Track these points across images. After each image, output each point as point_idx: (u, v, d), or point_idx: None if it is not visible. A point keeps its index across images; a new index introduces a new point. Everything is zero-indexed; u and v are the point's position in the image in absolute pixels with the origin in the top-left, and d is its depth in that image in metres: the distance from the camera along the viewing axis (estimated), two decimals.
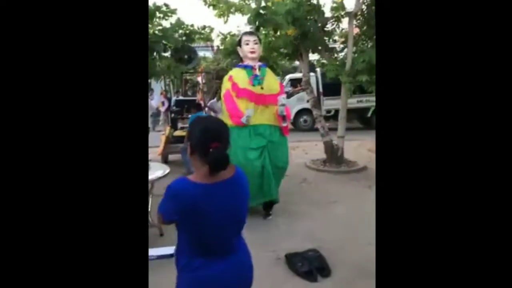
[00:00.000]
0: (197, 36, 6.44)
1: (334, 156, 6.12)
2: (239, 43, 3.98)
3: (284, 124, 3.80)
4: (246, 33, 4.06)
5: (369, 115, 11.05)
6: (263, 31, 5.90)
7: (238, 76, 3.84)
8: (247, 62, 3.89)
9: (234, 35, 7.14)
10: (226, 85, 3.89)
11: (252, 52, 3.82)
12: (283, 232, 3.54)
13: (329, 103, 10.82)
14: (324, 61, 6.63)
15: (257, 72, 3.83)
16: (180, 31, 6.08)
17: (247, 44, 3.83)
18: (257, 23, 4.39)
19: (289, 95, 10.54)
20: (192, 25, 6.23)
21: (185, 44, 6.27)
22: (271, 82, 3.89)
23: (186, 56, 6.42)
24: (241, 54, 4.01)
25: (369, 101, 10.62)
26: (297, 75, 9.68)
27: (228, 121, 3.57)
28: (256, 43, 3.84)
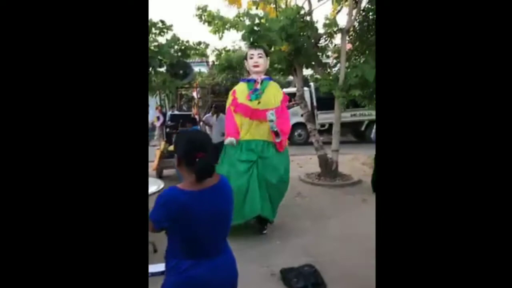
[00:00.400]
0: (192, 51, 6.52)
1: (328, 169, 6.14)
2: (245, 57, 4.02)
3: (278, 140, 3.73)
4: (251, 47, 4.07)
5: (363, 128, 11.15)
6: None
7: (239, 90, 3.90)
8: (251, 76, 3.93)
9: (229, 50, 7.25)
10: (229, 99, 3.95)
11: (256, 66, 3.84)
12: (278, 247, 3.53)
13: (323, 117, 10.92)
14: (318, 76, 6.74)
15: (259, 86, 3.84)
16: (176, 47, 6.16)
17: (252, 58, 3.86)
18: (251, 39, 4.46)
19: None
20: (187, 41, 6.32)
21: (180, 59, 6.34)
22: (271, 96, 3.79)
23: (181, 71, 6.48)
24: (247, 68, 4.06)
25: (362, 115, 10.74)
26: (291, 89, 9.80)
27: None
28: (260, 57, 3.84)
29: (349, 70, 5.76)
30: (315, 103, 11.15)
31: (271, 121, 3.60)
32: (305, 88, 11.08)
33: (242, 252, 3.44)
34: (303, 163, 7.84)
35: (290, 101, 10.30)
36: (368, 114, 10.36)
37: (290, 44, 5.37)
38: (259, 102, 3.75)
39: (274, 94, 3.86)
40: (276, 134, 3.69)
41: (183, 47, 6.18)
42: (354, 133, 11.79)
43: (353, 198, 5.16)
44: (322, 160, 6.23)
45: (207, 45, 6.89)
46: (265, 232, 3.87)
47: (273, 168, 3.77)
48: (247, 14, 4.72)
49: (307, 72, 7.75)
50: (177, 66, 6.34)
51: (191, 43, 6.37)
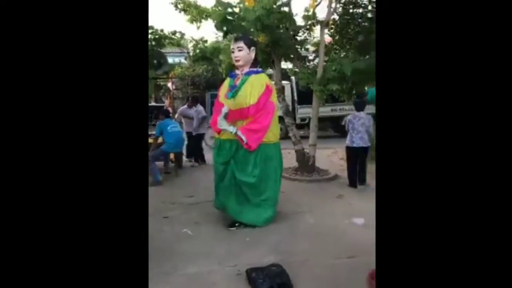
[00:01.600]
0: (167, 41, 6.28)
1: (305, 164, 6.07)
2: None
3: (245, 141, 3.56)
4: (233, 40, 3.87)
5: (343, 123, 11.14)
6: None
7: (223, 86, 3.77)
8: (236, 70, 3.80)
9: (206, 41, 7.04)
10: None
11: (236, 61, 3.68)
12: (247, 244, 3.40)
13: (304, 111, 10.85)
14: (297, 69, 6.62)
15: (239, 82, 3.69)
16: (149, 36, 5.92)
17: (233, 52, 3.71)
18: (224, 28, 4.29)
19: None
20: (161, 30, 6.08)
21: (154, 49, 6.11)
22: (246, 94, 3.58)
23: (155, 61, 6.25)
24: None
25: (342, 110, 10.73)
26: (273, 83, 9.70)
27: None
28: (240, 50, 3.64)
29: (328, 64, 5.66)
30: (296, 97, 11.08)
31: (224, 129, 3.57)
32: (286, 82, 11.04)
33: (207, 249, 3.34)
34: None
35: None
36: (348, 108, 10.33)
37: (267, 35, 5.22)
38: (234, 100, 3.61)
39: (250, 90, 3.60)
40: (240, 137, 3.57)
41: (157, 36, 5.95)
42: (334, 128, 11.79)
43: (329, 194, 5.09)
44: (300, 154, 6.15)
45: (182, 35, 6.66)
46: (234, 228, 3.74)
47: (245, 167, 3.66)
48: (218, 2, 4.53)
49: (287, 65, 7.62)
50: (151, 56, 6.11)
51: (165, 32, 6.13)
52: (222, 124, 3.55)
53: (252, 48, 3.73)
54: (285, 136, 10.62)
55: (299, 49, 6.32)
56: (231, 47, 3.76)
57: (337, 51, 7.01)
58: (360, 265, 3.03)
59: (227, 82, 3.83)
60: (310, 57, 6.74)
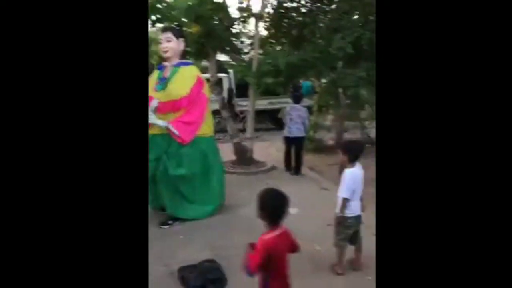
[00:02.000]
0: None
1: (243, 157, 6.07)
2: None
3: (176, 135, 3.45)
4: (161, 30, 3.67)
5: (279, 116, 11.39)
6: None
7: (151, 79, 3.54)
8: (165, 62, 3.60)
9: None
10: None
11: (164, 52, 3.49)
12: (181, 242, 3.30)
13: (243, 104, 10.85)
14: (233, 62, 6.57)
15: (168, 74, 3.51)
16: None
17: (161, 43, 3.51)
18: (153, 17, 4.07)
19: None
20: None
21: None
22: (177, 85, 3.45)
23: None
24: None
25: (280, 103, 10.93)
26: (209, 75, 9.53)
27: None
28: (168, 41, 3.46)
29: (263, 57, 5.69)
30: (234, 90, 11.03)
31: (154, 124, 3.38)
32: (224, 75, 10.93)
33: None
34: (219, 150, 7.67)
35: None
36: (284, 102, 10.54)
37: (200, 26, 5.07)
38: (164, 93, 3.44)
39: (181, 82, 3.46)
40: (172, 130, 3.43)
41: None
42: (272, 121, 11.98)
43: (265, 185, 5.14)
44: (237, 147, 6.13)
45: None
46: (167, 226, 3.60)
47: (179, 162, 3.51)
48: None
49: (223, 58, 7.53)
50: None
51: None
52: (152, 118, 3.37)
53: (181, 39, 3.58)
54: (223, 129, 10.64)
55: (234, 42, 6.26)
56: (159, 37, 3.58)
57: (272, 45, 7.09)
58: (295, 254, 3.11)
59: (155, 74, 3.64)
60: (246, 50, 6.72)
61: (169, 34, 3.49)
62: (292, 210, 4.11)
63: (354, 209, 2.61)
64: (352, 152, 2.60)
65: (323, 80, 7.23)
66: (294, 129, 5.55)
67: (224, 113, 6.26)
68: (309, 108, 10.00)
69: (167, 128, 3.41)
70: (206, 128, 3.69)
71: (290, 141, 5.66)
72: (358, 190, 2.59)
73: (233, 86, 10.95)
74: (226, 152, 6.87)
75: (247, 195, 4.69)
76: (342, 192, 2.56)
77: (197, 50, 5.98)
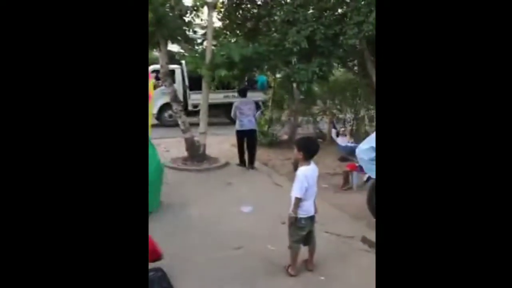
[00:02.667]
0: None
1: (195, 153, 5.84)
2: None
3: None
4: None
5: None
6: None
7: None
8: None
9: None
10: None
11: None
12: None
13: (196, 98, 10.50)
14: (185, 53, 6.27)
15: None
16: None
17: None
18: None
19: (153, 88, 9.85)
20: None
21: None
22: None
23: None
24: None
25: (235, 96, 10.75)
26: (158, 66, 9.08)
27: None
28: None
29: (216, 48, 5.47)
30: (187, 82, 10.65)
31: None
32: (177, 66, 10.49)
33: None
34: (171, 146, 7.34)
35: (158, 79, 9.75)
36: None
37: (150, 13, 4.73)
38: None
39: None
40: None
41: None
42: (226, 115, 11.77)
43: (218, 182, 4.98)
44: (189, 143, 5.88)
45: None
46: None
47: None
48: None
49: (175, 48, 7.18)
50: None
51: None
52: None
53: None
54: (176, 123, 10.25)
55: (187, 31, 5.96)
56: None
57: (226, 36, 6.87)
58: (248, 255, 3.00)
59: None
60: (199, 41, 6.44)
61: None
62: (245, 209, 4.01)
63: (307, 209, 2.52)
64: (307, 150, 2.51)
65: (278, 75, 7.17)
66: (246, 121, 5.58)
67: (176, 107, 5.96)
68: (263, 103, 9.98)
69: None
70: None
71: (243, 134, 5.66)
72: (311, 189, 2.50)
73: (186, 78, 10.57)
74: (178, 148, 6.59)
75: (196, 193, 4.46)
76: (295, 191, 2.46)
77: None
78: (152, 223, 3.46)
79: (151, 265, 2.61)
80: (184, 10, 5.61)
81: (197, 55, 5.45)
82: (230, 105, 10.88)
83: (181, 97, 10.83)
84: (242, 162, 5.77)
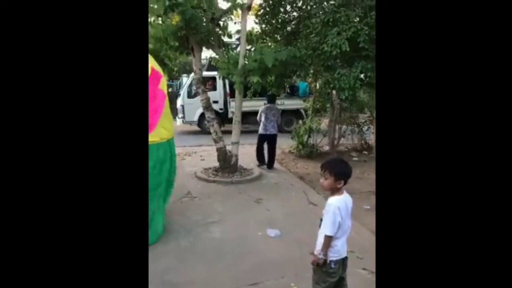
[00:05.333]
0: None
1: (227, 164, 5.50)
2: None
3: None
4: None
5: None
6: None
7: None
8: None
9: None
10: None
11: None
12: None
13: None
14: (219, 58, 5.98)
15: None
16: None
17: None
18: None
19: (194, 95, 9.78)
20: None
21: None
22: None
23: None
24: None
25: (277, 104, 10.33)
26: (207, 73, 8.94)
27: None
28: None
29: (249, 53, 5.10)
30: (228, 89, 10.45)
31: None
32: (217, 73, 10.33)
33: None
34: (207, 155, 7.11)
35: (205, 85, 9.64)
36: (280, 103, 9.94)
37: (179, 15, 4.50)
38: None
39: None
40: None
41: None
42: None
43: (247, 198, 4.57)
44: (221, 153, 5.56)
45: None
46: None
47: None
48: None
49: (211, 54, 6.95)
50: None
51: None
52: None
53: None
54: (206, 132, 10.08)
55: (222, 36, 5.67)
56: None
57: (264, 41, 6.50)
58: None
59: None
60: (234, 46, 6.13)
61: None
62: (271, 232, 3.55)
63: (339, 250, 1.98)
64: (340, 175, 1.97)
65: (319, 82, 6.64)
66: (270, 126, 5.96)
67: (208, 115, 5.69)
68: (305, 111, 9.42)
69: None
70: (164, 131, 3.14)
71: (265, 138, 6.01)
72: (345, 224, 1.96)
73: (227, 85, 10.37)
74: (215, 156, 6.31)
75: (222, 210, 4.08)
76: (327, 228, 1.92)
77: (180, 44, 5.42)
78: (167, 243, 3.16)
79: None
80: (218, 13, 5.32)
81: (230, 61, 5.11)
82: None
83: (222, 105, 10.70)
84: (261, 162, 6.10)
